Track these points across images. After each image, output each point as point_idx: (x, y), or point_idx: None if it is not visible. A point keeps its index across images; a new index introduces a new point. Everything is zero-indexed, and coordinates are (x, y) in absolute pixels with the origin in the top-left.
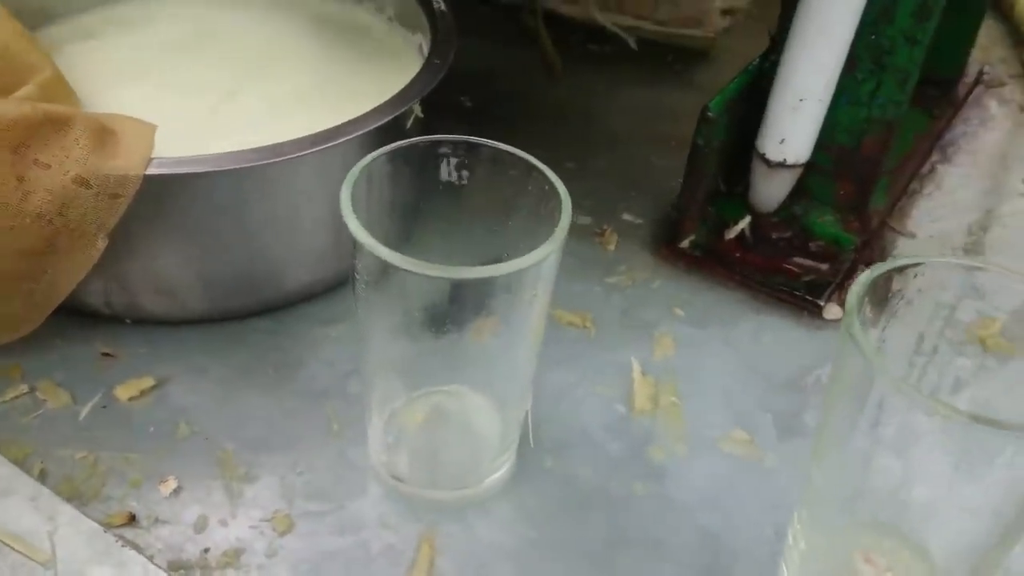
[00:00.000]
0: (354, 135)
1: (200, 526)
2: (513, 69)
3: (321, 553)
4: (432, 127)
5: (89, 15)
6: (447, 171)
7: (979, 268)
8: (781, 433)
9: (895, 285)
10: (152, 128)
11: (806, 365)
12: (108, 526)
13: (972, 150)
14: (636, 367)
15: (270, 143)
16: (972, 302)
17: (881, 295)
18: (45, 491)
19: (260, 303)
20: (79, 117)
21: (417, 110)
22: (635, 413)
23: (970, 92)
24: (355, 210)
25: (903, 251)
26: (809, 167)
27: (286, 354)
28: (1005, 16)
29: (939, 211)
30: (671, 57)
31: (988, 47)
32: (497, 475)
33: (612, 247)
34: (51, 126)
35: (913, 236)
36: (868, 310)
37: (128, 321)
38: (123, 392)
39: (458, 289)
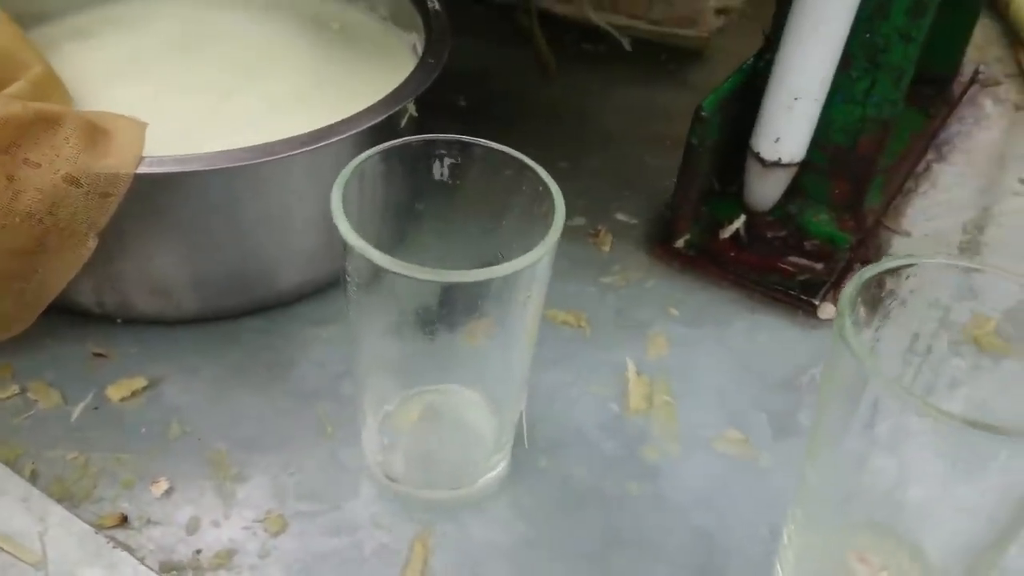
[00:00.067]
0: (347, 134)
1: (192, 527)
2: (507, 69)
3: (314, 554)
4: (426, 126)
5: (83, 15)
6: (440, 171)
7: (973, 268)
8: (776, 433)
9: (888, 285)
10: (143, 126)
11: (801, 364)
12: (99, 527)
13: (967, 149)
14: (630, 366)
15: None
16: (966, 302)
17: (874, 296)
18: (36, 492)
19: (252, 303)
20: (70, 116)
21: (411, 109)
22: (629, 413)
23: (965, 91)
24: (347, 211)
25: (898, 250)
26: (804, 166)
27: (278, 354)
28: (1001, 15)
29: (934, 210)
30: (665, 57)
31: (984, 46)
32: (491, 475)
33: (606, 247)
34: (41, 125)
35: (908, 235)
36: (861, 311)
37: (120, 321)
38: (115, 392)
39: (450, 292)
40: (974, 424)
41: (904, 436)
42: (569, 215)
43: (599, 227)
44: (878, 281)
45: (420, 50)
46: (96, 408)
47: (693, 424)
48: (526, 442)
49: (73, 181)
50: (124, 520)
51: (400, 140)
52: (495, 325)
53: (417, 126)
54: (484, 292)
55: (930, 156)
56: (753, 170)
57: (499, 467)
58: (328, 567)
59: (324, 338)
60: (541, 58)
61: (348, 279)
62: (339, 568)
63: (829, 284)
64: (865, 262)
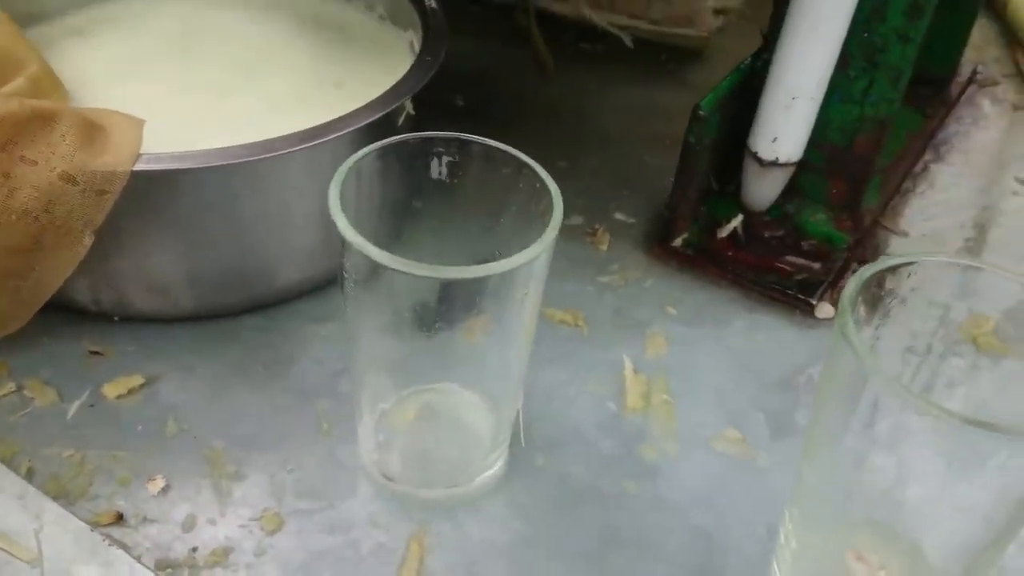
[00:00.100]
0: (344, 132)
1: (188, 525)
2: (505, 68)
3: (310, 552)
4: (424, 126)
5: (82, 14)
6: (438, 169)
7: (972, 267)
8: (773, 432)
9: (888, 284)
10: (140, 124)
11: (798, 364)
12: (95, 525)
13: (965, 149)
14: (628, 365)
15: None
16: (965, 301)
17: (874, 294)
18: (32, 489)
19: (250, 300)
20: (66, 113)
21: (409, 107)
22: (627, 411)
23: (963, 91)
24: (344, 208)
25: (896, 250)
26: (801, 165)
27: (277, 352)
28: (998, 15)
29: (932, 210)
30: (664, 56)
31: (982, 46)
32: (488, 473)
33: (604, 246)
34: (38, 122)
35: (906, 235)
36: (861, 309)
37: (116, 319)
38: (111, 390)
39: (448, 288)
40: (973, 422)
41: (903, 435)
42: (567, 214)
43: (597, 226)
44: (879, 279)
45: (417, 48)
46: (92, 406)
47: (691, 423)
48: (523, 441)
49: (69, 179)
50: (120, 518)
51: (397, 137)
52: (492, 322)
53: (415, 125)
54: (482, 289)
55: (928, 156)
56: (751, 170)
57: (496, 466)
58: (324, 565)
59: (323, 335)
60: (539, 57)
61: (346, 276)
62: (335, 566)
63: (826, 284)
64: (862, 262)
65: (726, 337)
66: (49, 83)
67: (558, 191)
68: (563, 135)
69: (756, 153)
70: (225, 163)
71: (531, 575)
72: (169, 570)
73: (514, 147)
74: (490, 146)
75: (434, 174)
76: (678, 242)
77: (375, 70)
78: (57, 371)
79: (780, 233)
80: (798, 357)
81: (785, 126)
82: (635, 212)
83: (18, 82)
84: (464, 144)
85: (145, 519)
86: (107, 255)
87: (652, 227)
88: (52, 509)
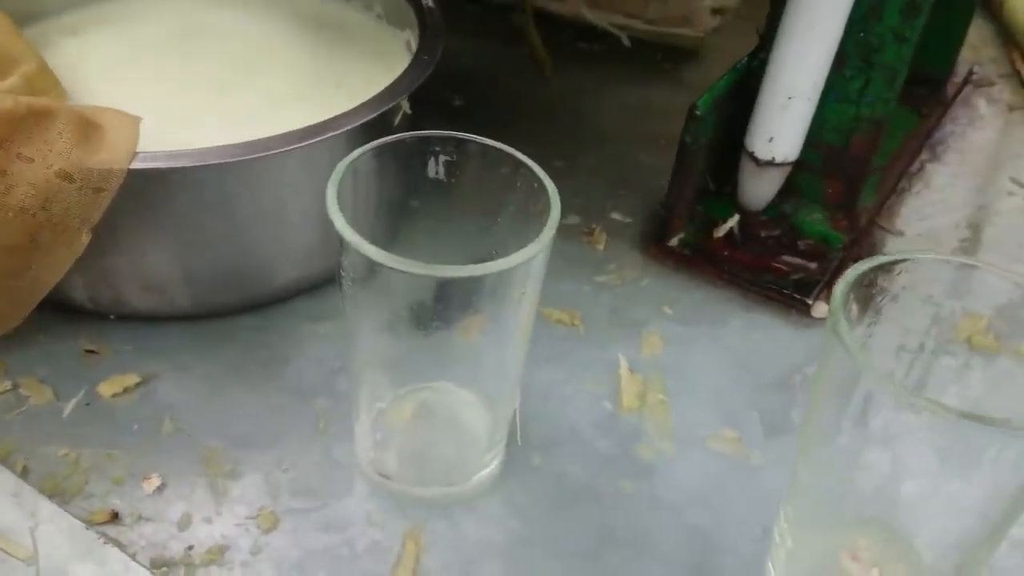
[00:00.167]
0: (341, 130)
1: (184, 523)
2: (503, 68)
3: (306, 550)
4: (421, 125)
5: (80, 12)
6: (435, 168)
7: (965, 265)
8: (769, 431)
9: (880, 282)
10: (137, 121)
11: (794, 363)
12: (91, 523)
13: (961, 149)
14: (624, 365)
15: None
16: (958, 299)
17: (866, 292)
18: (27, 488)
19: (247, 299)
20: (62, 111)
21: (405, 106)
22: (623, 411)
23: (959, 91)
24: (341, 207)
25: (892, 249)
26: (798, 165)
27: (273, 351)
28: (995, 16)
29: (928, 209)
30: (661, 56)
31: (978, 47)
32: (485, 472)
33: (601, 246)
34: (34, 120)
35: (902, 234)
36: (853, 307)
37: (113, 317)
38: (107, 389)
39: (445, 287)
40: (966, 416)
41: (896, 433)
42: (564, 214)
43: (594, 226)
44: (871, 277)
45: (414, 47)
46: (88, 404)
47: (687, 423)
48: (519, 440)
49: (66, 176)
50: (116, 516)
51: (394, 136)
52: (489, 322)
53: (411, 124)
54: (479, 288)
55: (924, 156)
56: (747, 169)
57: (492, 465)
58: (320, 564)
59: (320, 334)
60: (536, 57)
61: (343, 274)
62: (331, 565)
63: (823, 283)
64: (858, 261)
65: (722, 336)
66: (46, 81)
67: (555, 191)
68: (560, 135)
69: (752, 153)
70: (222, 161)
71: (527, 574)
72: (165, 568)
73: (511, 146)
74: (487, 145)
75: (431, 173)
76: (674, 242)
77: (372, 69)
78: (53, 369)
79: (776, 233)
80: (794, 356)
81: (781, 126)
82: (632, 212)
83: (15, 80)
84: (461, 143)
85: (141, 517)
86: (104, 253)
87: (648, 227)
88: (48, 507)
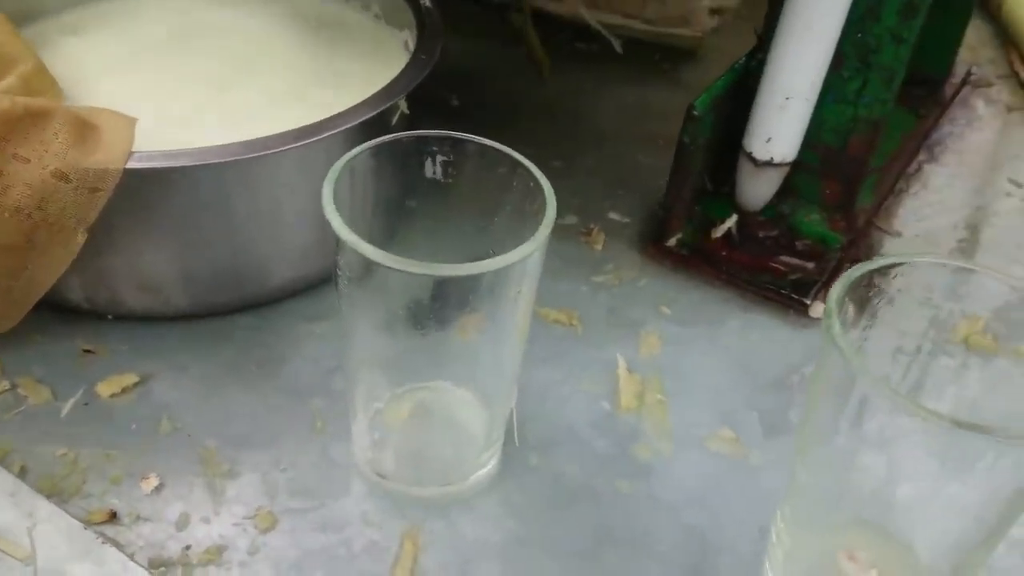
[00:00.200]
0: (338, 130)
1: (182, 523)
2: (501, 68)
3: (303, 550)
4: (419, 125)
5: (77, 11)
6: (432, 167)
7: (962, 267)
8: (767, 431)
9: (876, 285)
10: (133, 122)
11: (792, 363)
12: (88, 523)
13: (959, 150)
14: (622, 364)
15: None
16: (955, 301)
17: (862, 295)
18: (25, 487)
19: (244, 299)
20: (59, 111)
21: (403, 106)
22: (621, 411)
23: (957, 92)
24: (338, 206)
25: (889, 250)
26: (796, 166)
27: (270, 351)
28: (993, 17)
29: (925, 210)
30: (659, 56)
31: (977, 48)
32: (482, 472)
33: (599, 246)
34: (30, 120)
35: (899, 235)
36: (849, 310)
37: (110, 317)
38: (105, 389)
39: (442, 286)
40: (961, 424)
41: (893, 435)
42: (562, 214)
43: (592, 226)
44: (866, 280)
45: (412, 47)
46: (86, 404)
47: (685, 422)
48: (517, 440)
49: (62, 176)
50: (113, 516)
51: (391, 136)
52: (486, 320)
53: (409, 124)
54: (475, 287)
55: (922, 157)
56: (745, 170)
57: (490, 464)
58: (317, 564)
59: (317, 334)
60: (535, 57)
61: (340, 274)
62: (328, 565)
63: (820, 284)
64: (856, 262)
65: (720, 337)
66: (43, 82)
67: (551, 190)
68: (558, 135)
69: (750, 153)
70: (218, 161)
71: (524, 574)
72: (162, 568)
73: (509, 146)
74: (484, 145)
75: (428, 173)
76: (672, 242)
77: (370, 69)
78: (50, 369)
79: (774, 233)
80: (792, 357)
81: (779, 126)
82: (630, 212)
83: (12, 80)
84: (458, 143)
85: (138, 517)
86: (100, 253)
87: (647, 227)
88: (45, 507)
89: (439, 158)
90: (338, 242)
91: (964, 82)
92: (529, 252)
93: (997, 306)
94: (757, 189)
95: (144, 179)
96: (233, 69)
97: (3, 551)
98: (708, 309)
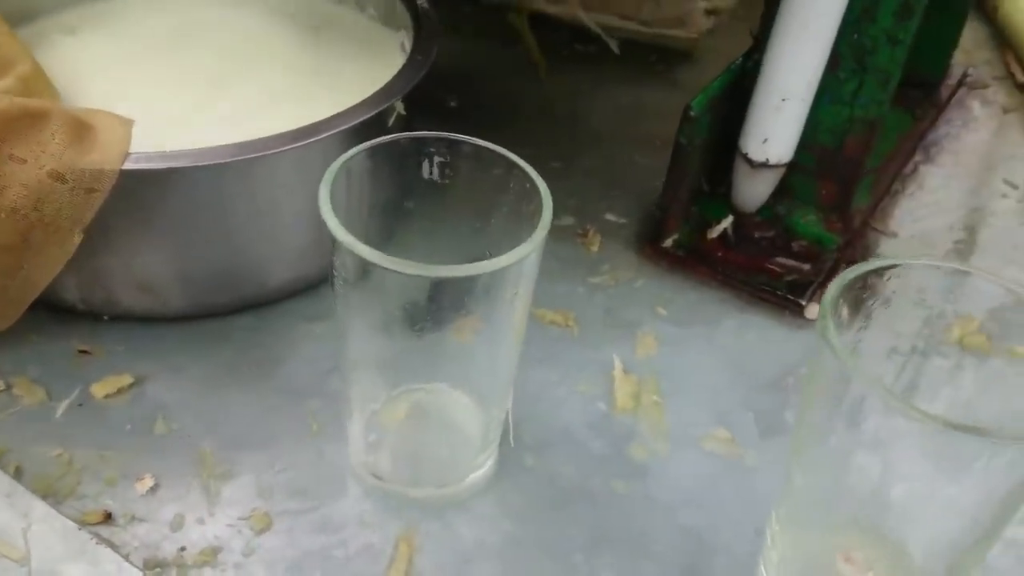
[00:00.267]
0: (335, 131)
1: (177, 524)
2: (498, 69)
3: (299, 552)
4: (415, 126)
5: (75, 11)
6: (428, 169)
7: (956, 270)
8: (763, 432)
9: (871, 287)
10: (129, 123)
11: (788, 364)
12: (83, 524)
13: (955, 151)
14: (618, 365)
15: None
16: (949, 303)
17: (856, 296)
18: (20, 488)
19: (241, 300)
20: (56, 112)
21: (400, 107)
22: (617, 411)
23: (953, 93)
24: (334, 207)
25: (885, 251)
26: (792, 167)
27: (267, 351)
28: (989, 18)
29: (921, 211)
30: (655, 57)
31: (972, 50)
32: (478, 473)
33: (595, 247)
34: (27, 120)
35: (895, 236)
36: (844, 311)
37: (106, 318)
38: (100, 389)
39: (438, 287)
40: (955, 426)
41: (888, 436)
42: (558, 215)
43: (588, 227)
44: (861, 282)
45: (409, 48)
46: (81, 405)
47: (681, 423)
48: (512, 441)
49: (58, 177)
50: (108, 517)
51: (388, 137)
52: (482, 322)
53: (406, 125)
54: (472, 288)
55: (918, 158)
56: (741, 171)
57: (486, 466)
58: (313, 565)
59: (315, 335)
60: (532, 58)
61: (336, 275)
62: (324, 566)
63: (816, 284)
64: (852, 263)
65: (716, 337)
66: (39, 83)
67: (548, 191)
68: (555, 136)
69: (747, 154)
70: (215, 162)
71: (521, 575)
72: (157, 569)
73: (506, 148)
74: (481, 146)
75: (425, 174)
76: (669, 243)
77: (367, 70)
78: (46, 370)
79: (770, 234)
80: (788, 357)
81: (775, 127)
82: (626, 213)
83: (10, 81)
84: (455, 144)
85: (134, 518)
86: (96, 253)
87: (643, 228)
88: (40, 508)
89: (436, 159)
90: (334, 243)
91: (960, 83)
92: (526, 254)
93: (991, 307)
94: (753, 190)
95: (140, 180)
96: (229, 69)
97: None
98: (704, 310)
